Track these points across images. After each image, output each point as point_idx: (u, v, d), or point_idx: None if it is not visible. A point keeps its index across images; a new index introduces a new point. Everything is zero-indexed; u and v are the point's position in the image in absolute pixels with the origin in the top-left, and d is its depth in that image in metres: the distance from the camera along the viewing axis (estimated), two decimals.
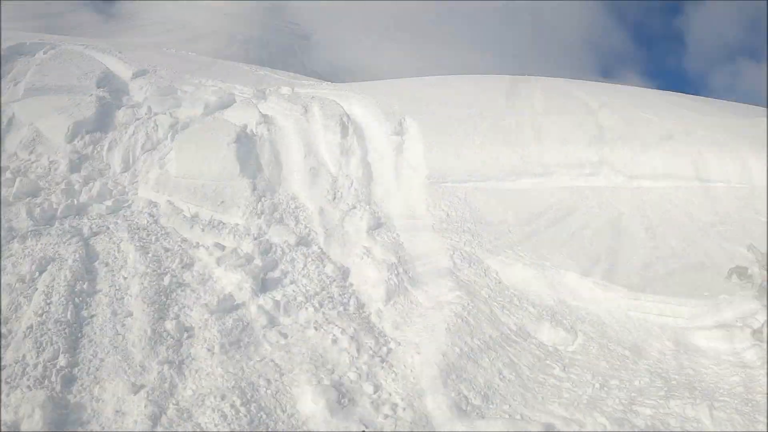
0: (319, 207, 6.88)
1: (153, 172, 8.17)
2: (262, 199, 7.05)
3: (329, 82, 11.92)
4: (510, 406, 3.87)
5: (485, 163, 7.09)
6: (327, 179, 7.31)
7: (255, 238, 6.28)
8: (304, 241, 6.34)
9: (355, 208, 6.79)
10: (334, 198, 6.97)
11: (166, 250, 6.47)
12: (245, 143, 7.73)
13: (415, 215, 6.59)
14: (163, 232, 6.94)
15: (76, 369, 4.24)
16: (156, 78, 11.01)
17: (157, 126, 9.33)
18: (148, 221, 7.18)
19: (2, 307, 4.84)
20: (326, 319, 4.92)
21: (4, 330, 4.50)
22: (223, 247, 6.12)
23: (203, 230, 6.72)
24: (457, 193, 6.81)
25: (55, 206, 7.49)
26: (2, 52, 11.22)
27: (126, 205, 7.76)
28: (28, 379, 4.05)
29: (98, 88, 10.36)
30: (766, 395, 3.76)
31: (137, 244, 6.49)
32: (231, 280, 5.52)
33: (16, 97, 10.05)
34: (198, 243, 6.49)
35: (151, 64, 11.71)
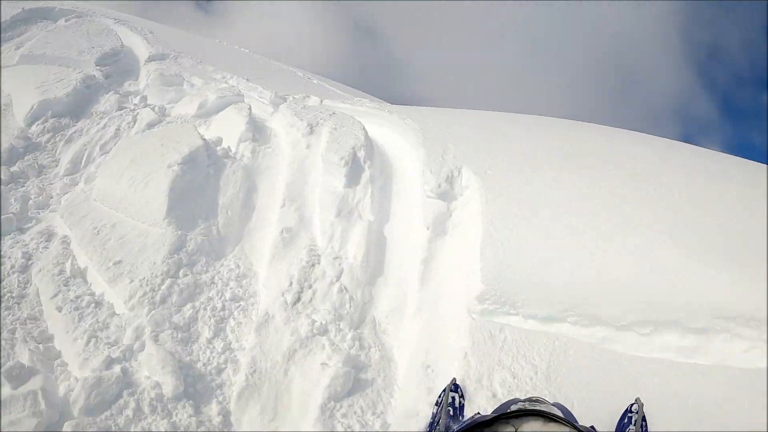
0: (265, 312, 3.32)
1: (79, 186, 5.05)
2: (182, 270, 3.62)
3: (381, 102, 8.39)
4: None
5: (600, 287, 3.12)
6: (302, 256, 3.73)
7: (109, 362, 2.84)
8: (195, 393, 2.81)
9: (326, 331, 3.12)
10: (299, 299, 3.36)
11: None
12: (199, 168, 4.34)
13: (434, 384, 2.79)
14: (18, 294, 3.69)
15: None
16: (171, 65, 8.08)
17: (134, 122, 6.35)
18: (13, 268, 3.96)
19: None
20: None
21: None
22: (24, 377, 2.71)
23: (60, 310, 3.38)
24: (535, 351, 2.86)
25: None
26: (24, 14, 8.83)
27: (22, 228, 4.65)
28: None
29: (97, 66, 7.57)
30: None
31: None
32: None
33: (11, 62, 7.58)
34: (32, 337, 3.15)
35: (177, 50, 8.81)
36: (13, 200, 5.12)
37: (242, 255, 4.00)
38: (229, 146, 4.80)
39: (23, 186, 5.48)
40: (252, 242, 4.11)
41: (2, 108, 6.69)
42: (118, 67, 7.89)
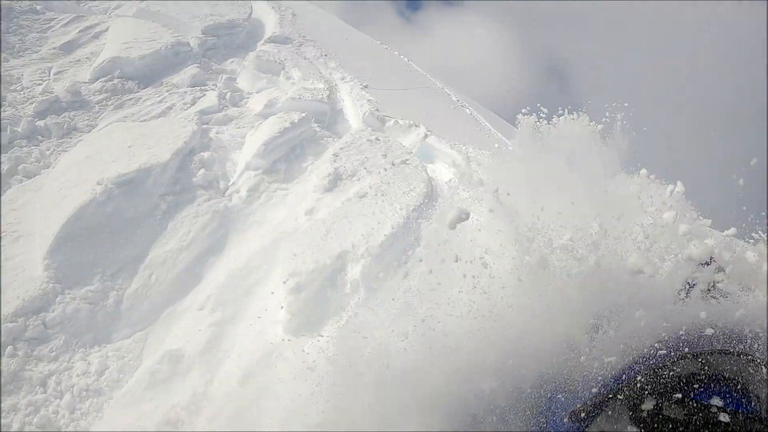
0: None
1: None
2: (12, 347, 2.51)
3: None
4: None
5: None
6: (149, 423, 2.30)
7: None
8: None
9: None
10: None
11: None
12: (143, 196, 3.22)
13: None
14: None
15: None
16: (285, 50, 7.53)
17: (192, 104, 5.80)
18: None
19: None
20: None
21: None
22: None
23: None
24: None
25: None
26: None
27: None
28: None
29: (203, 34, 7.35)
30: None
31: None
32: None
33: (127, 14, 7.93)
34: None
35: (309, 37, 8.30)
36: (6, 158, 4.81)
37: (132, 351, 2.75)
38: (224, 172, 3.66)
39: (37, 145, 5.20)
40: (166, 334, 2.85)
41: (86, 57, 6.85)
42: (230, 40, 7.59)
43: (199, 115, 5.58)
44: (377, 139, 4.29)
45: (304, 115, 4.50)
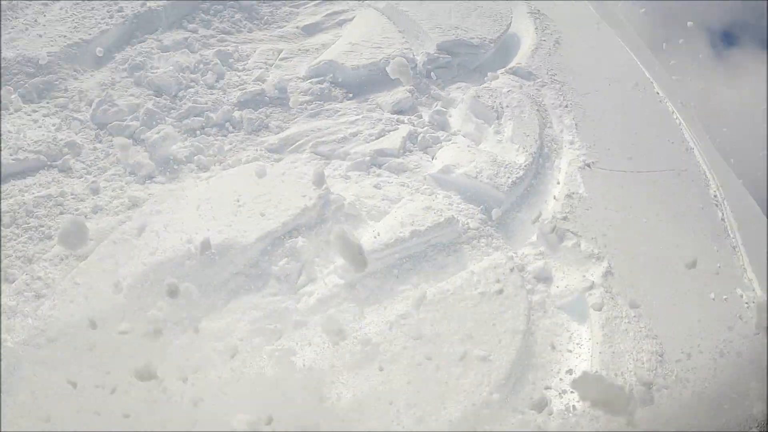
0: None
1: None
2: None
3: None
4: None
5: None
6: None
7: None
8: None
9: None
10: None
11: None
12: (219, 267, 3.61)
13: None
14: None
15: None
16: (523, 93, 7.18)
17: (377, 137, 6.16)
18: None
19: None
20: None
21: None
22: None
23: None
24: None
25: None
26: None
27: (151, 176, 5.24)
28: None
29: (438, 51, 7.46)
30: None
31: None
32: None
33: (378, 5, 8.14)
34: None
35: (562, 78, 7.84)
36: (189, 143, 5.84)
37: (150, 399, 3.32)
38: (315, 259, 3.93)
39: (225, 135, 6.14)
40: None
41: (316, 48, 7.45)
42: (467, 60, 7.54)
43: (374, 155, 5.92)
44: (499, 291, 3.91)
45: (450, 216, 4.47)
